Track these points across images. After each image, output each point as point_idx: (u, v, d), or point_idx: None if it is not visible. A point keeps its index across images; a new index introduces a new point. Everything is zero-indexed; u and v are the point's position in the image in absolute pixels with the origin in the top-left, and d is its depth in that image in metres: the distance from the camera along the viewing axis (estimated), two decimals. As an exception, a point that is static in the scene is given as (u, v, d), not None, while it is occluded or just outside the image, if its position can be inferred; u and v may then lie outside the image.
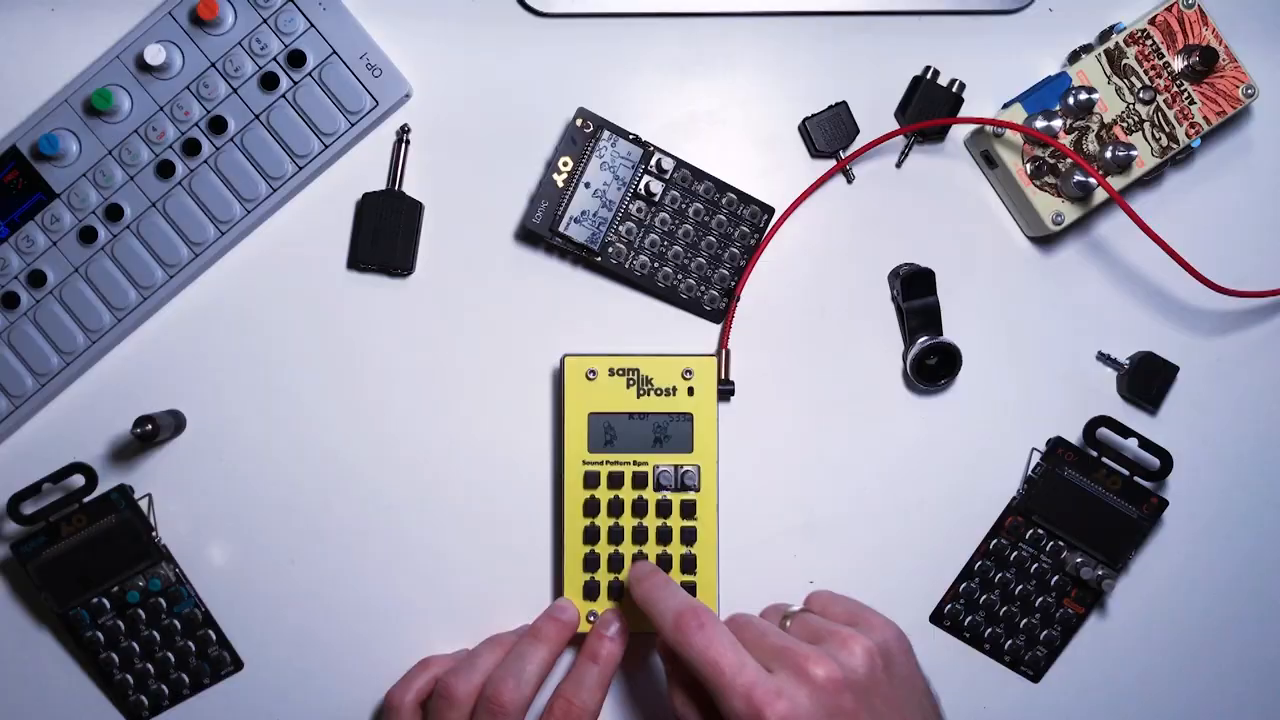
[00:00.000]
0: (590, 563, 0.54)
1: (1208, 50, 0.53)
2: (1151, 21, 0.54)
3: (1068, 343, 0.57)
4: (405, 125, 0.55)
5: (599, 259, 0.55)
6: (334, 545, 0.56)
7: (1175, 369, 0.56)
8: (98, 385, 0.55)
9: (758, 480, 0.56)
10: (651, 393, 0.53)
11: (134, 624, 0.54)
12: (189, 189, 0.54)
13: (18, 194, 0.53)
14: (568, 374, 0.53)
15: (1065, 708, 0.57)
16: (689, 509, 0.53)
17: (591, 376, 0.53)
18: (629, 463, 0.53)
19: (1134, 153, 0.53)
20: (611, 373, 0.53)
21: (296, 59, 0.53)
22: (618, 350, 0.54)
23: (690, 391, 0.53)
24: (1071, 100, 0.53)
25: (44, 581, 0.53)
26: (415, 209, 0.55)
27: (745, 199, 0.55)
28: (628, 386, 0.53)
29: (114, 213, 0.54)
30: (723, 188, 0.55)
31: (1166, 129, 0.54)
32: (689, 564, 0.54)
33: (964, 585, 0.56)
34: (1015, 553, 0.56)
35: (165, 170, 0.54)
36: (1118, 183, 0.54)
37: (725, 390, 0.54)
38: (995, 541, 0.56)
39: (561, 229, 0.54)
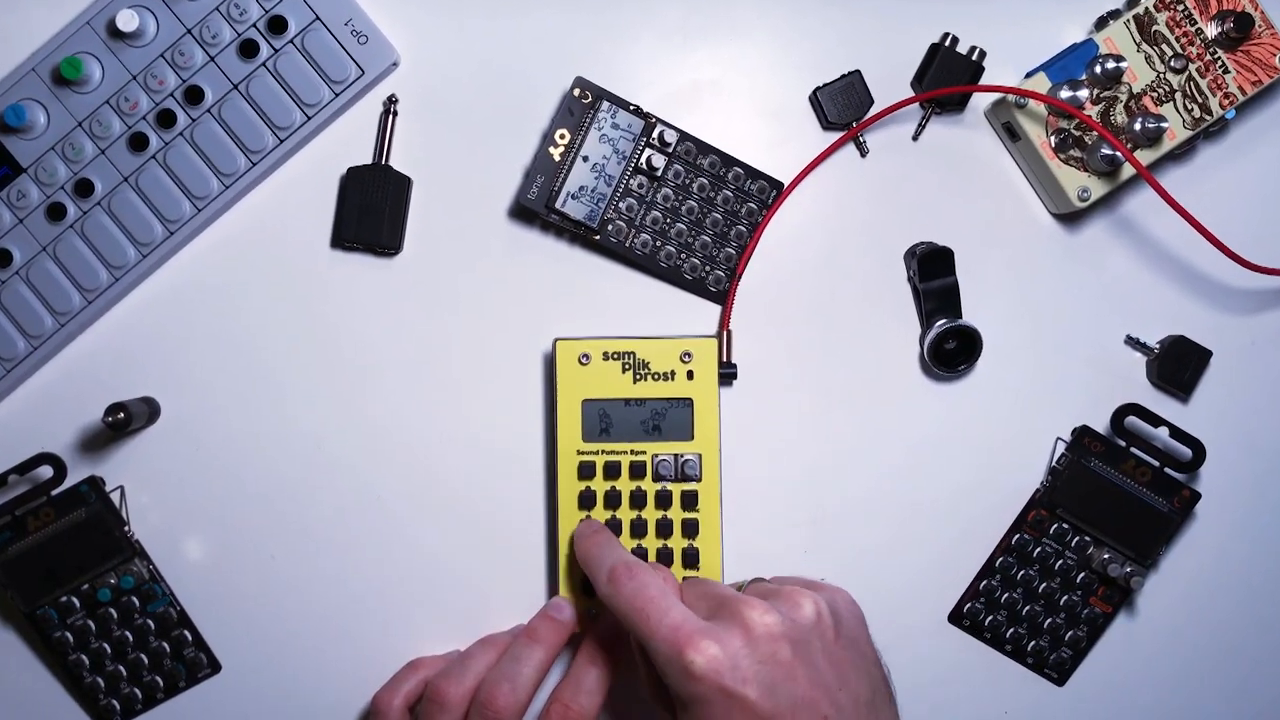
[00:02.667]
0: None
1: (1243, 16, 0.53)
2: (1183, -15, 0.53)
3: (1094, 326, 0.56)
4: (393, 96, 0.54)
5: (598, 237, 0.54)
6: (317, 540, 0.55)
7: (1208, 354, 0.56)
8: (66, 371, 0.55)
9: (764, 471, 0.56)
10: (648, 377, 0.52)
11: (105, 624, 0.53)
12: (163, 163, 0.53)
13: (-18, 168, 0.53)
14: (559, 358, 0.52)
15: (1091, 713, 0.57)
16: (690, 500, 0.53)
17: (585, 361, 0.52)
18: (626, 452, 0.52)
19: (1164, 125, 0.52)
20: (606, 356, 0.52)
21: (277, 25, 0.53)
22: (618, 334, 0.53)
23: (690, 375, 0.52)
24: (1098, 69, 0.52)
25: (10, 579, 0.52)
26: (403, 184, 0.54)
27: (753, 173, 0.54)
28: (623, 371, 0.52)
29: (84, 188, 0.53)
30: (729, 162, 0.54)
31: (1199, 99, 0.54)
32: (691, 558, 0.53)
33: (984, 583, 0.56)
34: (1039, 549, 0.55)
35: (138, 143, 0.53)
36: (1147, 157, 0.53)
37: (727, 374, 0.54)
38: (1017, 537, 0.55)
39: (558, 205, 0.53)
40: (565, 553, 0.53)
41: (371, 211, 0.54)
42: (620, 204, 0.54)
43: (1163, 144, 0.53)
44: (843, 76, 0.55)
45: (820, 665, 0.43)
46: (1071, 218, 0.56)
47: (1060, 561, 0.55)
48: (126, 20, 0.51)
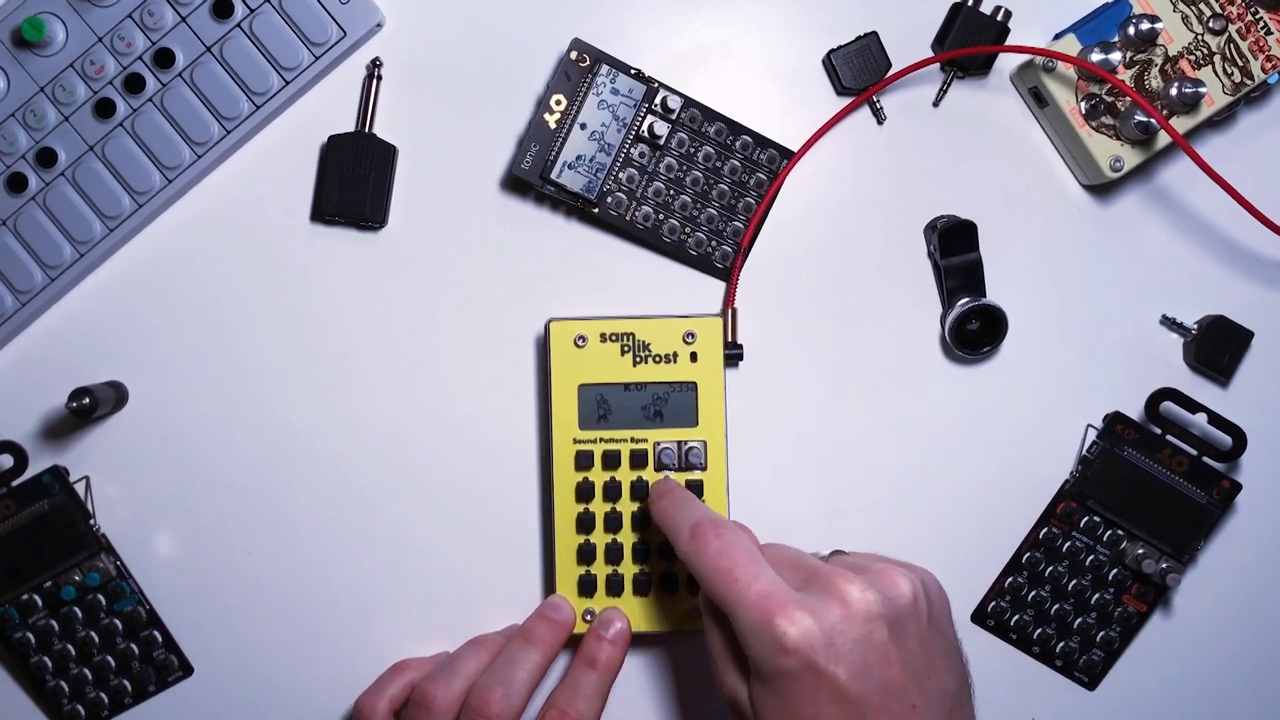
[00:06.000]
0: (585, 555, 0.53)
1: (1288, -28, 0.53)
2: (1223, -61, 0.53)
3: (1127, 305, 0.56)
4: (377, 59, 0.54)
5: (596, 210, 0.54)
6: (296, 534, 0.55)
7: (1249, 335, 0.55)
8: (28, 353, 0.55)
9: (773, 460, 0.55)
10: (649, 359, 0.52)
11: (69, 624, 0.53)
12: (131, 131, 0.53)
13: (-63, 136, 0.53)
14: (553, 341, 0.52)
15: (1124, 718, 0.56)
16: (695, 490, 0.52)
17: (581, 343, 0.52)
18: (626, 440, 0.52)
19: (1202, 90, 0.52)
20: (603, 338, 0.52)
21: (253, -18, 0.53)
22: (617, 314, 0.53)
23: (693, 357, 0.52)
24: (1132, 30, 0.52)
25: (-33, 575, 0.52)
26: (388, 154, 0.54)
27: (762, 142, 0.54)
28: (622, 353, 0.52)
29: (46, 157, 0.53)
30: (737, 129, 0.54)
31: (1239, 63, 0.53)
32: None
33: (1010, 580, 0.56)
34: (1068, 543, 0.55)
35: (104, 109, 0.53)
36: (1184, 124, 0.53)
37: (733, 355, 0.53)
38: (1045, 530, 0.55)
39: (554, 176, 0.53)
40: (562, 549, 0.53)
41: (354, 183, 0.53)
42: (620, 174, 0.53)
43: (1200, 110, 0.53)
44: (858, 38, 0.54)
45: (913, 650, 0.42)
46: (1103, 189, 0.56)
47: (1091, 557, 0.55)
48: (92, -23, 0.51)
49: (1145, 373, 0.56)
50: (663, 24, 0.54)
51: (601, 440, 0.52)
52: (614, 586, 0.52)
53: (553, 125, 0.52)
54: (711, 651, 0.46)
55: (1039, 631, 0.55)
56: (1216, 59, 0.53)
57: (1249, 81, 0.53)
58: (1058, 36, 0.53)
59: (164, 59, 0.52)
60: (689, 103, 0.53)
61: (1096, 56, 0.52)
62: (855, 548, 0.54)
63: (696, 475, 0.52)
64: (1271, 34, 0.53)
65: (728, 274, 0.54)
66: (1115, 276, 0.56)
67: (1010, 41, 0.54)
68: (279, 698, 0.55)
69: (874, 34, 0.54)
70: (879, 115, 0.55)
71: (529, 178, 0.52)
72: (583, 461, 0.52)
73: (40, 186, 0.52)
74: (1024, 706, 0.56)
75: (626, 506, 0.52)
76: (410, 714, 0.50)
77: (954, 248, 0.54)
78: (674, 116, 0.53)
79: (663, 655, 0.55)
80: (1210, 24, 0.52)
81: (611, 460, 0.52)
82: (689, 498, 0.49)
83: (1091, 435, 0.55)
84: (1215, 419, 0.54)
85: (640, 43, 0.54)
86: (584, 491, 0.52)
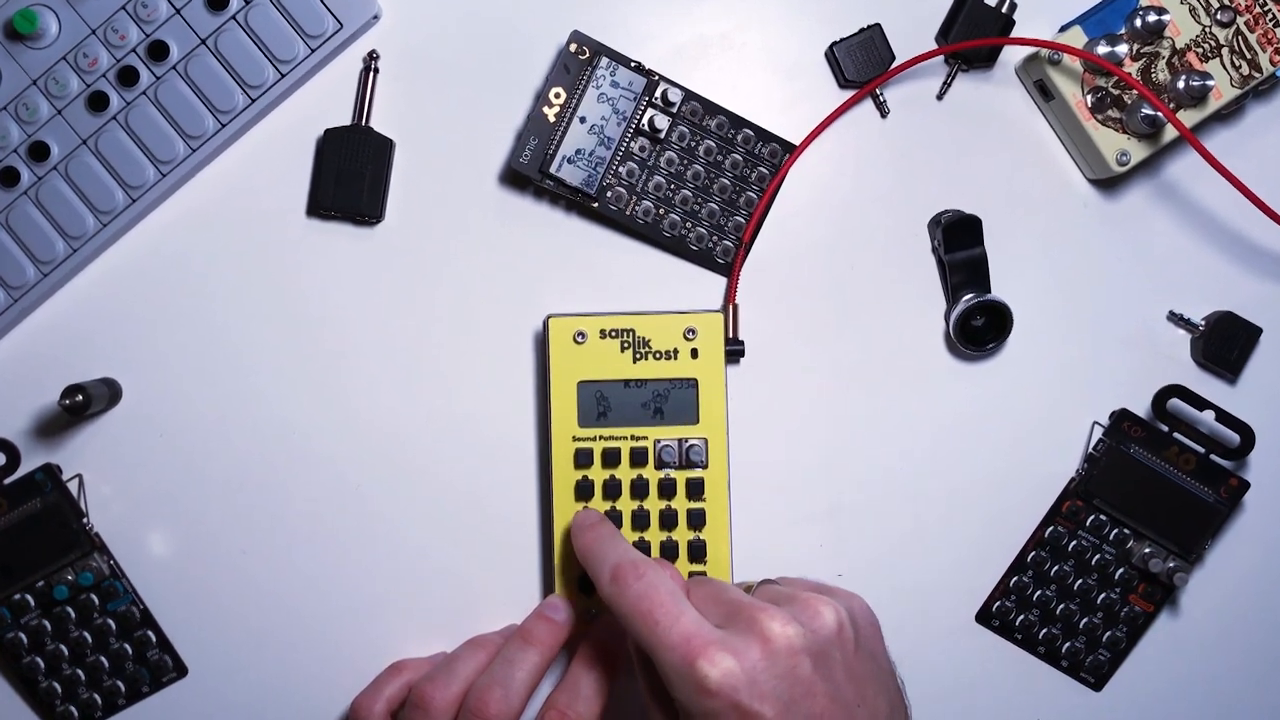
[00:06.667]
0: None
1: (1297, -37, 0.53)
2: (1232, -71, 0.53)
3: (1134, 301, 0.56)
4: (373, 51, 0.54)
5: (595, 205, 0.53)
6: (292, 533, 0.55)
7: (1258, 331, 0.55)
8: (20, 349, 0.54)
9: (775, 458, 0.55)
10: (649, 356, 0.52)
11: (62, 624, 0.53)
12: (125, 124, 0.53)
13: (-72, 130, 0.53)
14: (552, 337, 0.52)
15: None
16: (696, 489, 0.52)
17: (580, 339, 0.52)
18: (626, 437, 0.52)
19: (1210, 83, 0.52)
20: (603, 334, 0.52)
21: (248, -26, 0.53)
22: (617, 310, 0.53)
23: (694, 354, 0.52)
24: (1139, 22, 0.52)
25: (-42, 575, 0.52)
26: (384, 148, 0.54)
27: (764, 135, 0.54)
28: (622, 350, 0.52)
29: (39, 151, 0.52)
30: (738, 123, 0.54)
31: (1248, 55, 0.53)
32: (697, 552, 0.52)
33: (1015, 579, 0.56)
34: (1074, 542, 0.55)
35: (98, 103, 0.52)
36: (1191, 117, 0.53)
37: (734, 351, 0.53)
38: (1051, 529, 0.55)
39: (553, 170, 0.52)
40: (560, 548, 0.52)
41: (350, 177, 0.53)
42: (620, 169, 0.53)
43: (1208, 103, 0.53)
44: (861, 30, 0.54)
45: (840, 681, 0.43)
46: (1109, 183, 0.56)
47: (1097, 556, 0.55)
48: (85, -31, 0.51)
49: (1152, 369, 0.55)
50: (663, 16, 0.54)
51: (601, 438, 0.52)
52: (614, 586, 0.52)
53: (551, 119, 0.52)
54: (643, 694, 0.46)
55: (1044, 632, 0.55)
56: (1224, 51, 0.53)
57: (1257, 74, 0.53)
58: (1064, 29, 0.53)
59: (158, 51, 0.52)
60: (690, 96, 0.53)
61: (1103, 49, 0.51)
62: (857, 547, 0.55)
63: (697, 473, 0.52)
64: (1280, 26, 0.53)
65: (729, 269, 0.54)
66: (1122, 272, 0.56)
67: (1015, 34, 0.54)
68: (275, 699, 0.55)
69: (877, 26, 0.54)
70: (882, 109, 0.55)
71: (528, 172, 0.52)
72: (582, 459, 0.52)
73: (32, 181, 0.52)
74: (1029, 708, 0.56)
75: (626, 505, 0.52)
76: (407, 715, 0.50)
77: (958, 243, 0.54)
78: (675, 110, 0.53)
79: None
80: (1218, 16, 0.52)
81: (611, 458, 0.52)
82: (612, 534, 0.49)
83: (1098, 433, 0.55)
84: (1223, 416, 0.54)
85: (640, 35, 0.54)
86: (583, 490, 0.52)
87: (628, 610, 0.44)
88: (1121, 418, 0.54)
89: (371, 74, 0.53)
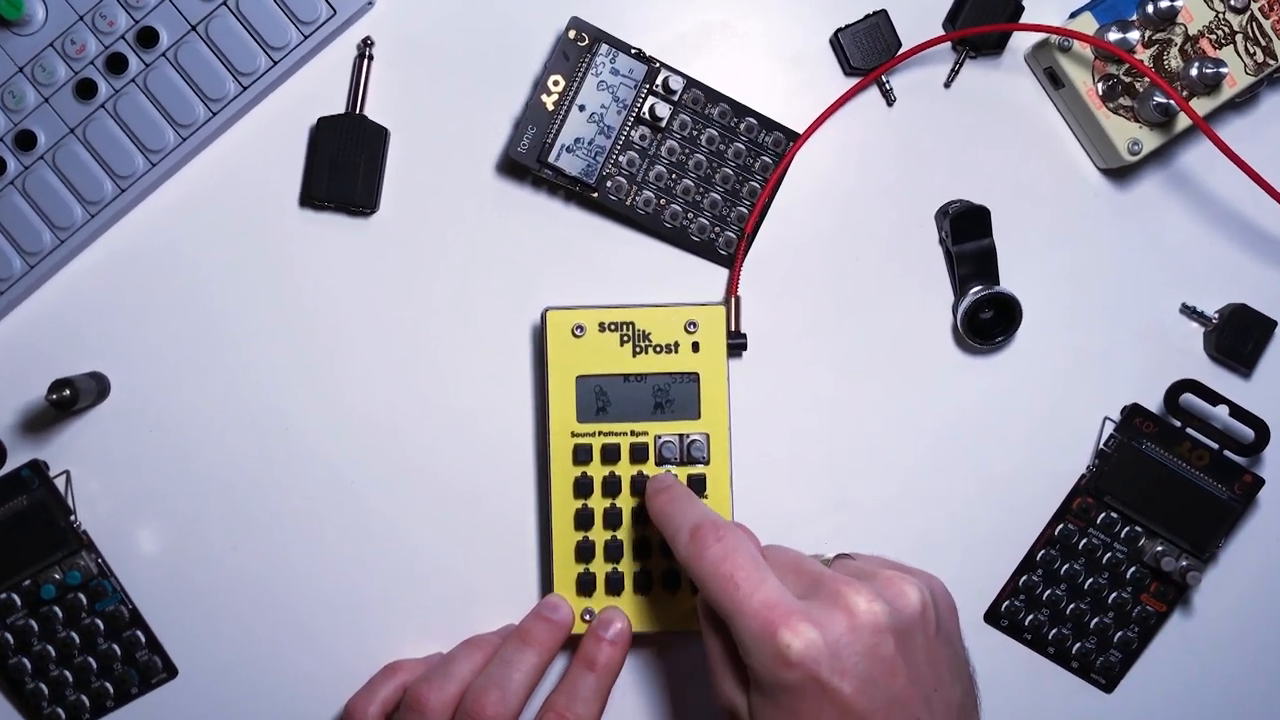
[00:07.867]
0: (584, 552, 0.52)
1: (1313, -53, 0.53)
2: (1246, -87, 0.53)
3: (1146, 293, 0.56)
4: (368, 38, 0.54)
5: (595, 195, 0.53)
6: (284, 531, 0.55)
7: (1273, 324, 0.55)
8: (6, 343, 0.55)
9: (779, 454, 0.55)
10: (649, 350, 0.52)
11: (49, 624, 0.53)
12: (113, 113, 0.53)
13: (-88, 119, 0.53)
14: (550, 331, 0.52)
15: None
16: (697, 485, 0.52)
17: (579, 333, 0.52)
18: (625, 433, 0.52)
19: (1223, 70, 0.52)
20: (602, 328, 0.52)
21: (239, -42, 0.53)
22: (616, 302, 0.53)
23: (695, 347, 0.52)
24: (1151, 8, 0.52)
25: (-57, 574, 0.52)
26: (379, 137, 0.54)
27: (767, 124, 0.54)
28: (621, 343, 0.52)
29: (25, 140, 0.53)
30: (741, 111, 0.54)
31: (1262, 42, 0.53)
32: None
33: (1024, 578, 0.56)
34: (1084, 540, 0.55)
35: (86, 90, 0.53)
36: (1204, 105, 0.53)
37: (736, 345, 0.53)
38: (1061, 527, 0.55)
39: (551, 159, 0.52)
40: (560, 546, 0.52)
41: (344, 167, 0.53)
42: (620, 158, 0.53)
43: (1222, 91, 0.53)
44: (867, 16, 0.54)
45: (920, 663, 0.42)
46: (1121, 173, 0.56)
47: (1108, 554, 0.55)
48: (72, -48, 0.51)
49: (1164, 363, 0.55)
50: (664, 2, 0.54)
51: (600, 433, 0.52)
52: (614, 585, 0.52)
53: (550, 107, 0.52)
54: (709, 658, 0.45)
55: (1054, 631, 0.55)
56: (1238, 38, 0.52)
57: (1272, 62, 0.52)
58: (1074, 15, 0.53)
59: (147, 38, 0.52)
60: (691, 83, 0.53)
61: (1114, 35, 0.51)
62: (863, 545, 0.54)
63: (699, 469, 0.52)
64: (1295, 12, 0.52)
65: (731, 261, 0.54)
66: (1133, 264, 0.56)
67: (1025, 20, 0.54)
68: (267, 700, 0.55)
69: (883, 12, 0.54)
70: (888, 96, 0.55)
71: (526, 161, 0.52)
72: (581, 455, 0.52)
73: (19, 170, 0.52)
74: (1039, 709, 0.56)
75: (626, 502, 0.52)
76: (402, 717, 0.50)
77: (966, 234, 0.54)
78: (676, 98, 0.53)
79: (665, 656, 0.55)
80: (1232, 2, 0.52)
81: (611, 454, 0.52)
82: (688, 495, 0.49)
83: (1109, 428, 0.55)
84: (1237, 411, 0.54)
85: (641, 21, 0.54)
86: (582, 486, 0.52)
87: (707, 572, 0.43)
88: (1133, 413, 0.54)
89: (366, 61, 0.54)
